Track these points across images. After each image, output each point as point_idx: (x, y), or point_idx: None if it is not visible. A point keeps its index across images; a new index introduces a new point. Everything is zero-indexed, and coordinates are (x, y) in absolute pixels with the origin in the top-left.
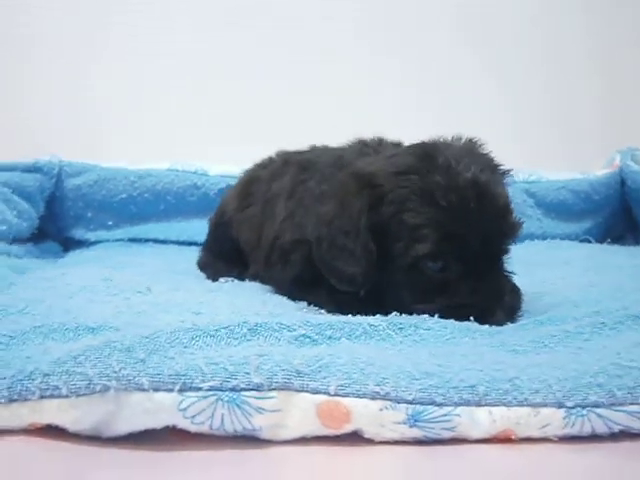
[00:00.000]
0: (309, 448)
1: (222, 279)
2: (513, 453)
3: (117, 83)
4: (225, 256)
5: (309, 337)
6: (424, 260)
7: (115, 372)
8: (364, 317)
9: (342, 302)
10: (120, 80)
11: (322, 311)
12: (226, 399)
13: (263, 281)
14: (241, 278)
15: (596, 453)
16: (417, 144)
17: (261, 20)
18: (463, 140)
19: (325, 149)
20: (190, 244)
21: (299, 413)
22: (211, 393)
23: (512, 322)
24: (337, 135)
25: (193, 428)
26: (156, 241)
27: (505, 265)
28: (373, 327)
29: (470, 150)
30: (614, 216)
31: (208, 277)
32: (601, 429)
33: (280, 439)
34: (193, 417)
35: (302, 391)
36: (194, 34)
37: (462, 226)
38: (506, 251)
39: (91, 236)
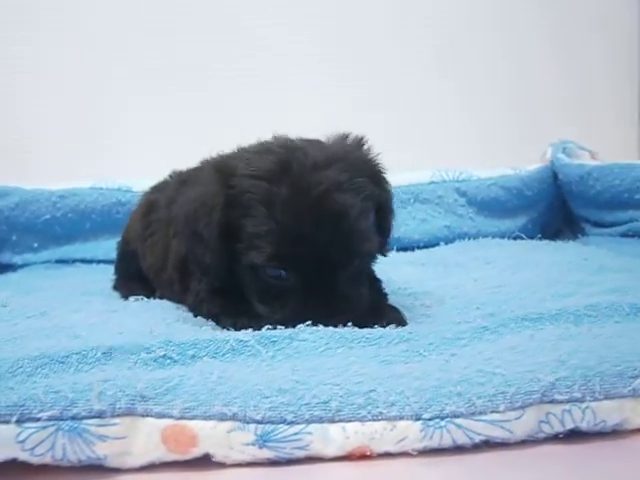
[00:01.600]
0: (157, 475)
1: (132, 298)
2: (369, 470)
3: (38, 102)
4: (135, 278)
5: (170, 358)
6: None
7: None
8: (234, 333)
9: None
10: (41, 99)
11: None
12: (66, 428)
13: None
14: (152, 297)
15: (456, 465)
16: (285, 143)
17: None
18: (349, 139)
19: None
20: None
21: (143, 439)
22: (51, 423)
23: None
24: None
25: (35, 460)
26: (84, 261)
27: (359, 282)
28: (242, 343)
29: (340, 155)
30: (550, 211)
31: (121, 296)
32: (462, 440)
33: (127, 467)
34: (33, 449)
35: (146, 416)
36: (115, 47)
37: (298, 243)
38: (353, 269)
39: (18, 259)
